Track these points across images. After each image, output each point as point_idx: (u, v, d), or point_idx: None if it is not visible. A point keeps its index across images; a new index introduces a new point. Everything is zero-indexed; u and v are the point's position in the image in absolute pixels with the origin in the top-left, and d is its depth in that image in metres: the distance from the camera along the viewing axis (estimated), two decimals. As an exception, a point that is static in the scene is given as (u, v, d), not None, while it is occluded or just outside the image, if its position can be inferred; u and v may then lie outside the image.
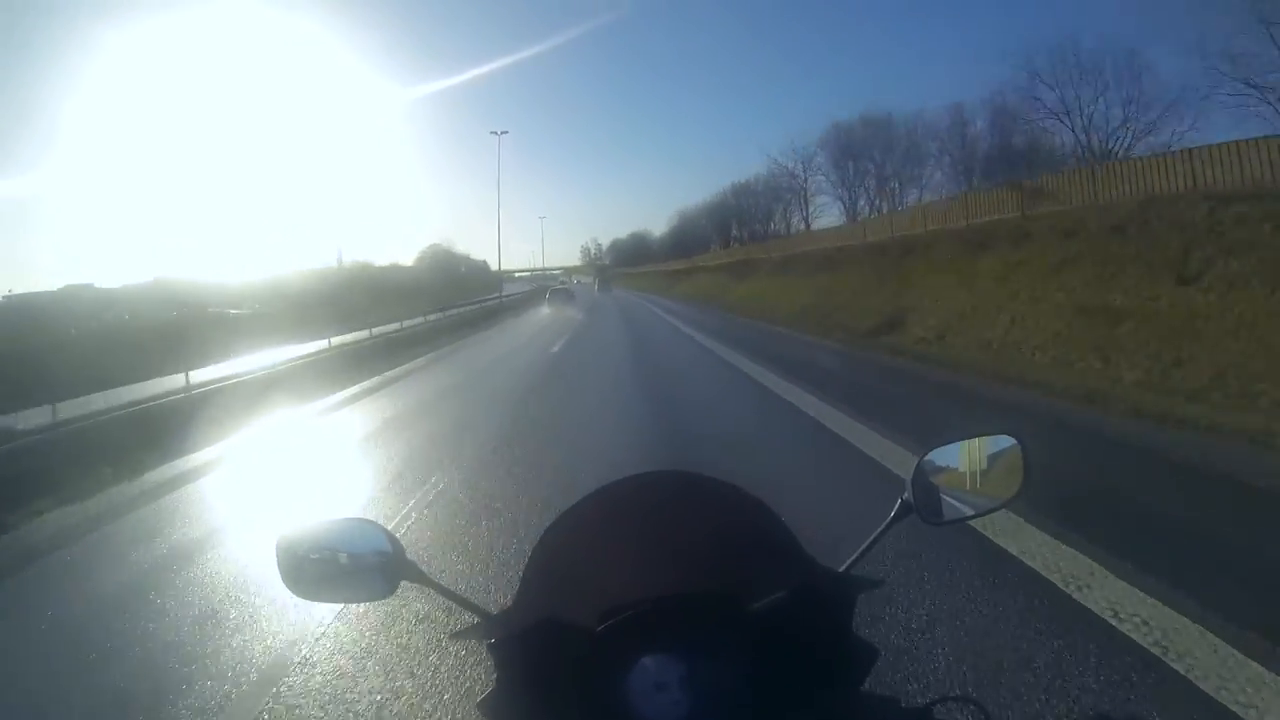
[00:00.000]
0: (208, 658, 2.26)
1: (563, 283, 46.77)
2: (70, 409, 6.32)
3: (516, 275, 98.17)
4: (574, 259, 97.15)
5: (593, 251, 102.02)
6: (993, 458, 0.70)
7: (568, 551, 0.62)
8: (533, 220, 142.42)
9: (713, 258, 35.33)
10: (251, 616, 2.59)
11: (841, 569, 0.61)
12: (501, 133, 38.08)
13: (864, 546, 0.64)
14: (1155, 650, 1.73)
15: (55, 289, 30.01)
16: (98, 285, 31.66)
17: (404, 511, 3.43)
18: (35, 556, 3.56)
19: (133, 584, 3.02)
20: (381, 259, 61.56)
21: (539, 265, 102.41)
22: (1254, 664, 1.64)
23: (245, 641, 2.37)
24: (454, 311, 22.27)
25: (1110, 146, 20.44)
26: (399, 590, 0.63)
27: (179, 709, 1.96)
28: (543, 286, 46.53)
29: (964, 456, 0.70)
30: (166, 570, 3.08)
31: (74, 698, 2.13)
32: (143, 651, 2.26)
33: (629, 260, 78.38)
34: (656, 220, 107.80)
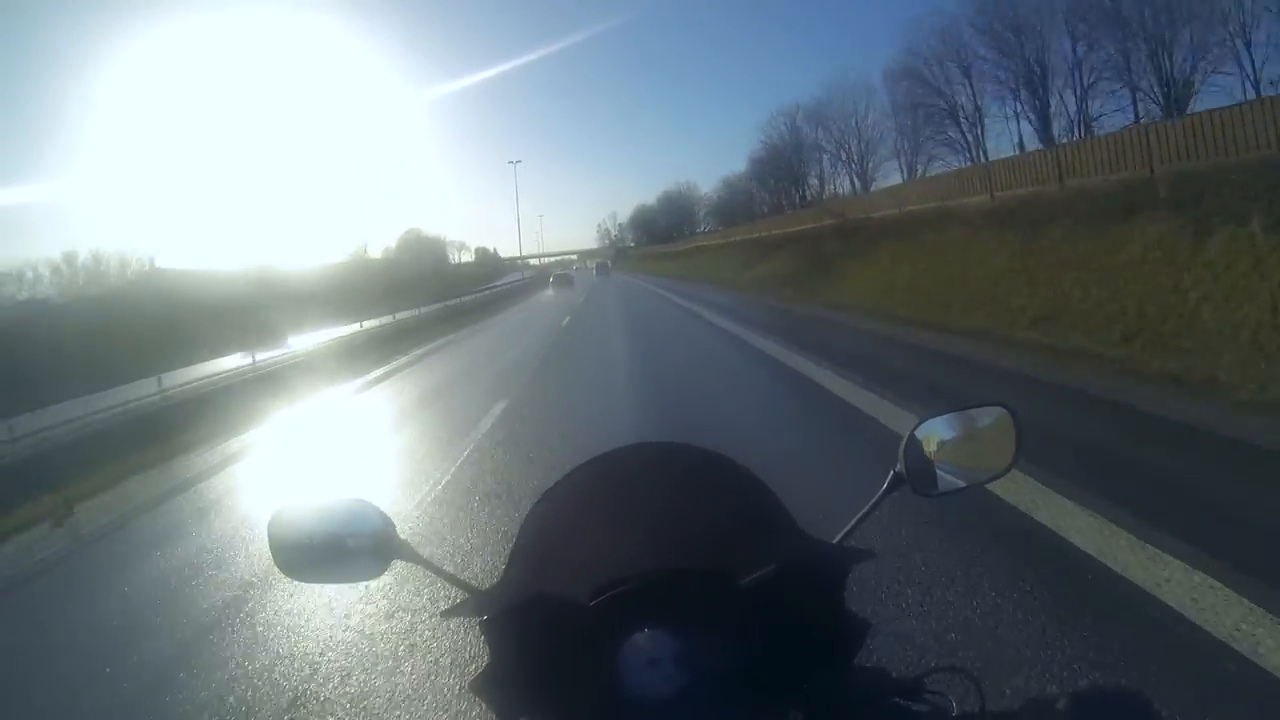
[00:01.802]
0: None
1: (564, 271, 52.26)
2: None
3: (528, 262, 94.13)
4: (592, 242, 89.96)
5: (611, 232, 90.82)
6: (984, 428, 0.73)
7: (556, 526, 0.63)
8: (547, 205, 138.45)
9: (765, 226, 30.59)
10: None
11: (834, 541, 0.62)
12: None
13: (856, 519, 0.67)
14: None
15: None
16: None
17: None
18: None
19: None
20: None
21: (552, 251, 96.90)
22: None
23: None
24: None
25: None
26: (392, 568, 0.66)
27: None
28: (543, 275, 55.96)
29: (955, 427, 0.72)
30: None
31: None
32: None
33: (661, 236, 72.07)
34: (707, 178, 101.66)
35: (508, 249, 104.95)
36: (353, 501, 0.66)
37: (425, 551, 0.74)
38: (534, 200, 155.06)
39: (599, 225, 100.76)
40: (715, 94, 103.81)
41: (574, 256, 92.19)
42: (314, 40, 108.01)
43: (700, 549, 0.58)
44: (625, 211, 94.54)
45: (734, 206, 54.02)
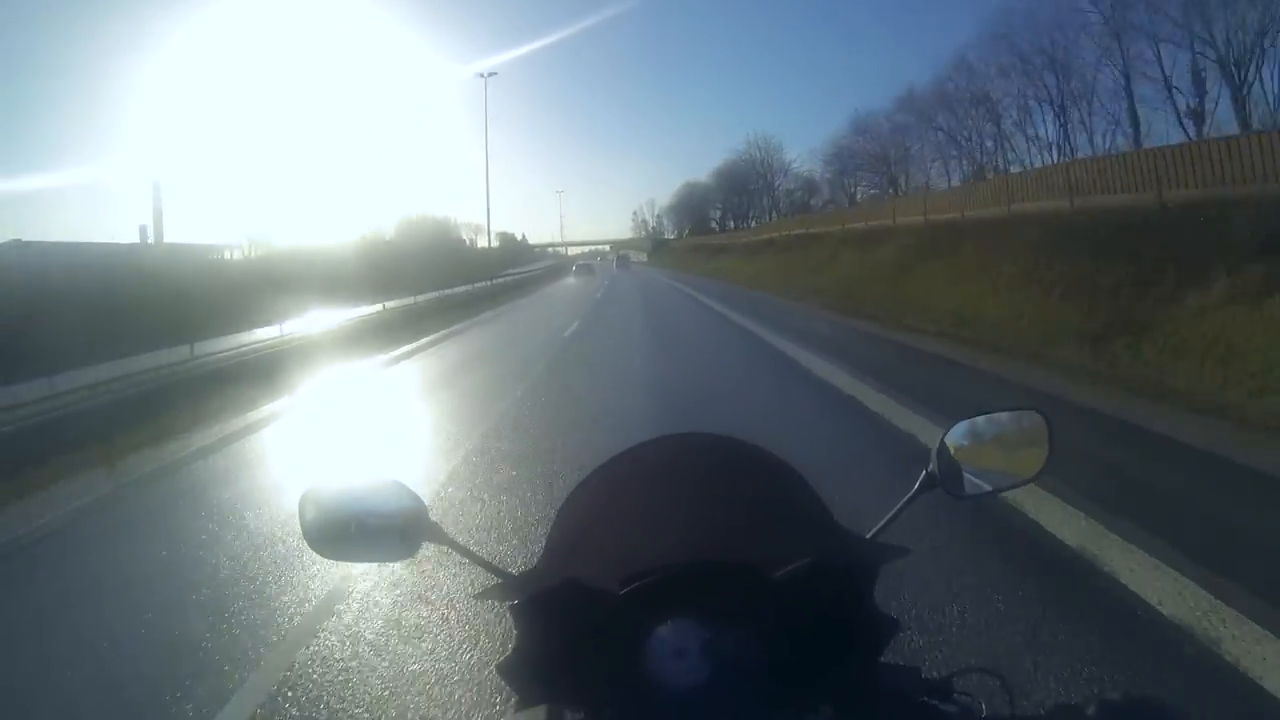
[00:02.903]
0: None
1: (586, 261, 58.21)
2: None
3: (559, 250, 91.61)
4: (627, 232, 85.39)
5: (649, 221, 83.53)
6: (1017, 432, 0.77)
7: (592, 514, 0.68)
8: (580, 193, 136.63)
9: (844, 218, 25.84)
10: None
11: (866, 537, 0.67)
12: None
13: (888, 517, 0.71)
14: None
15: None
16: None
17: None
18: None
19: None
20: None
21: (584, 240, 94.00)
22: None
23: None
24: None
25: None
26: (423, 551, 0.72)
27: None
28: (567, 264, 60.35)
29: (988, 430, 0.76)
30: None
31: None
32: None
33: (704, 225, 64.49)
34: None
35: (538, 236, 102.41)
36: (385, 482, 0.71)
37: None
38: (568, 188, 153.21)
39: (634, 213, 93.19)
40: (770, 73, 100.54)
41: (606, 247, 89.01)
42: (339, 18, 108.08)
43: (733, 541, 0.61)
44: (665, 198, 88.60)
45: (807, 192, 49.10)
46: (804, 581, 0.53)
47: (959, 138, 30.43)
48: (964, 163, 30.31)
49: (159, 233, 27.74)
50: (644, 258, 71.58)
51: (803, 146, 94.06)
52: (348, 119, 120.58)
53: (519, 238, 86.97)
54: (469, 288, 28.05)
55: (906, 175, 35.44)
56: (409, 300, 21.38)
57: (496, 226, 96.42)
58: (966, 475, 0.74)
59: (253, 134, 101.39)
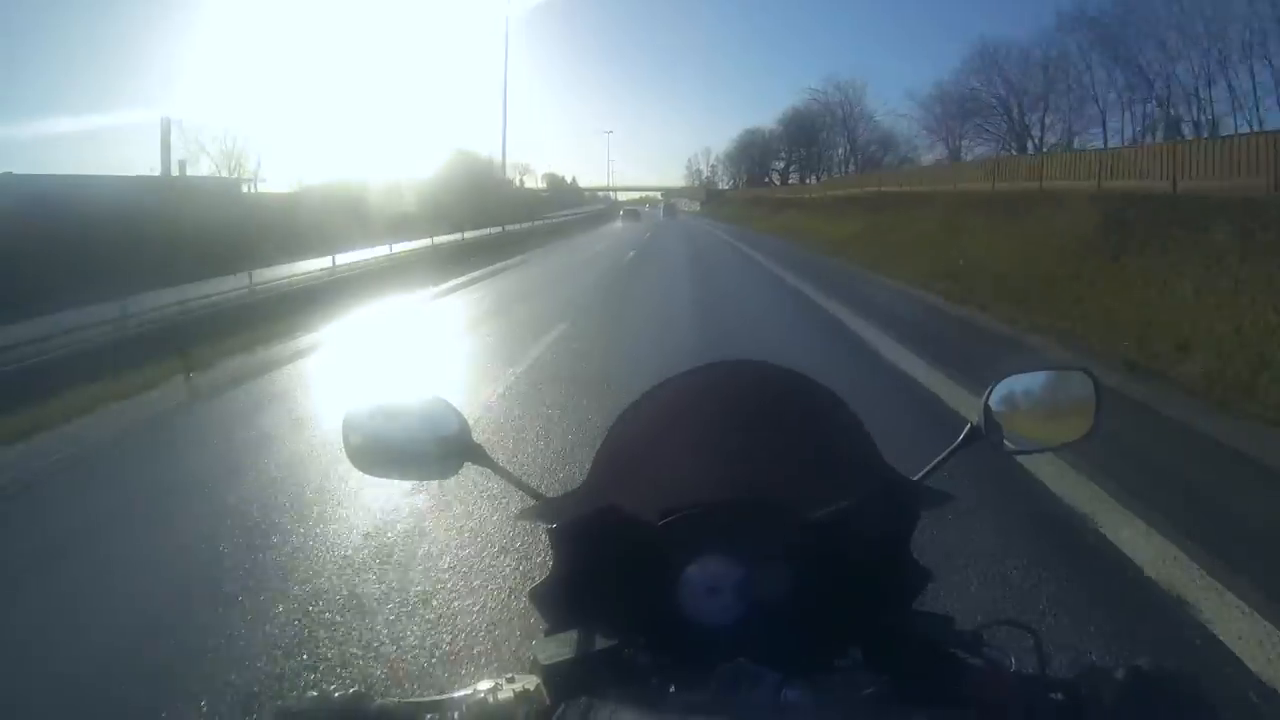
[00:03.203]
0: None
1: (633, 207, 58.84)
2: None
3: (610, 195, 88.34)
4: (681, 180, 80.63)
5: (703, 171, 78.05)
6: (1065, 392, 0.77)
7: (638, 440, 0.69)
8: (636, 136, 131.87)
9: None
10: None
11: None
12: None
13: (932, 465, 0.72)
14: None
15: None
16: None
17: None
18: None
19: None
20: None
21: (637, 185, 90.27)
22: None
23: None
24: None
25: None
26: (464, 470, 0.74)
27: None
28: (615, 209, 62.48)
29: (1035, 387, 0.76)
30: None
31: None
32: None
33: (762, 177, 60.04)
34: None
35: (590, 179, 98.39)
36: (430, 400, 0.72)
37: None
38: (622, 133, 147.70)
39: (689, 161, 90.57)
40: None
41: (658, 194, 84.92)
42: None
43: (774, 478, 0.62)
44: (721, 147, 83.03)
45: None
46: (843, 524, 0.55)
47: (1151, 76, 23.37)
48: (1147, 110, 23.73)
49: (167, 166, 25.98)
50: (696, 207, 67.73)
51: (888, 94, 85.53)
52: (388, 55, 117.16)
53: (569, 180, 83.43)
54: (498, 230, 27.30)
55: (1043, 126, 30.11)
56: (384, 251, 18.38)
57: (546, 168, 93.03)
58: (1011, 432, 0.75)
59: (288, 72, 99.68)
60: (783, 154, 57.15)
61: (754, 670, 0.49)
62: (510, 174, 72.50)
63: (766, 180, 57.54)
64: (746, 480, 0.61)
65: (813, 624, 0.54)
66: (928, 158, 38.68)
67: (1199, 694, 0.50)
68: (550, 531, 0.59)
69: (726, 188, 69.67)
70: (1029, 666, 0.55)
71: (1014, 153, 28.90)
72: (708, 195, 70.11)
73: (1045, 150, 26.36)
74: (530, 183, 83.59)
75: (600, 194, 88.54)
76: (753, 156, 62.82)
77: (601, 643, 0.54)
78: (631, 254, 19.41)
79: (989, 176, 18.34)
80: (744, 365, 0.73)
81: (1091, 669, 0.52)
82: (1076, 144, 27.10)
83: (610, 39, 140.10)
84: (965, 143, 35.67)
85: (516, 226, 30.00)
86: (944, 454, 0.73)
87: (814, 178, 49.00)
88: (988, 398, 0.73)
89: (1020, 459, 2.99)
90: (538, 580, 0.60)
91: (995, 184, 17.38)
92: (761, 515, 0.56)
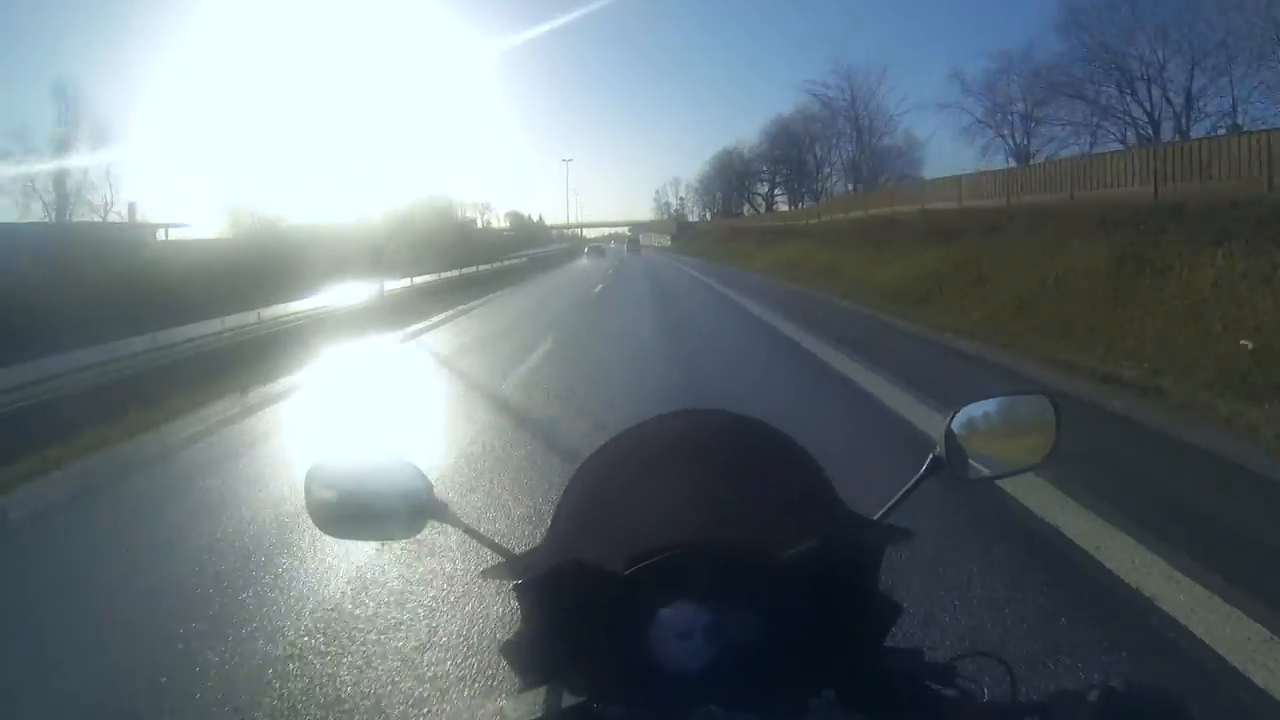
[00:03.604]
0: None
1: (598, 244, 60.12)
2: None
3: (578, 233, 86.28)
4: (649, 213, 77.56)
5: (672, 203, 74.59)
6: (1024, 417, 0.78)
7: (597, 492, 0.70)
8: (600, 173, 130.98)
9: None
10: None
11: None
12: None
13: (894, 500, 0.73)
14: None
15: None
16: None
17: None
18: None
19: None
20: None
21: (604, 221, 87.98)
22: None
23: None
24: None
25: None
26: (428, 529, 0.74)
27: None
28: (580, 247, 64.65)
29: (995, 414, 0.76)
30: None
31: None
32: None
33: (737, 204, 56.68)
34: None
35: (557, 217, 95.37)
36: (391, 459, 0.73)
37: None
38: (588, 168, 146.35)
39: (656, 193, 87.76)
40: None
41: (625, 229, 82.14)
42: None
43: (738, 521, 0.63)
44: (693, 174, 79.02)
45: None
46: (809, 563, 0.55)
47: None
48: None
49: (62, 209, 22.51)
50: (667, 242, 64.76)
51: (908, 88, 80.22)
52: (341, 98, 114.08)
53: (534, 219, 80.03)
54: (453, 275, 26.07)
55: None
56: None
57: (510, 207, 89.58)
58: (972, 460, 0.75)
59: (234, 112, 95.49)
60: (764, 174, 50.83)
61: (727, 717, 0.50)
62: (471, 214, 69.21)
63: (744, 208, 52.69)
64: (709, 525, 0.62)
65: (785, 665, 0.55)
66: (975, 163, 30.40)
67: (1174, 711, 0.51)
68: (516, 587, 0.59)
69: (696, 219, 65.50)
70: (1003, 696, 0.57)
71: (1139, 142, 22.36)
72: (679, 228, 66.82)
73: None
74: (495, 222, 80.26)
75: (568, 231, 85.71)
76: (729, 180, 57.56)
77: (570, 699, 0.54)
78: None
79: (1135, 175, 11.73)
80: (698, 414, 0.75)
81: (1064, 693, 0.52)
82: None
83: (574, 74, 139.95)
84: (1036, 140, 28.16)
85: (475, 269, 29.09)
86: (907, 486, 0.74)
87: (804, 201, 43.56)
88: (948, 426, 0.74)
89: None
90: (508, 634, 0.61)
91: (1159, 184, 10.94)
92: (727, 558, 0.56)
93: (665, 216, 75.79)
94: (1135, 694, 0.49)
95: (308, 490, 0.72)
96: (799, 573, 0.53)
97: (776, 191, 51.06)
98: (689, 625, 0.53)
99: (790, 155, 45.95)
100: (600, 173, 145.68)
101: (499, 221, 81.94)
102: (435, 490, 0.71)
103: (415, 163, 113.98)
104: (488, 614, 2.45)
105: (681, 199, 73.42)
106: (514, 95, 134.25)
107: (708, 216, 63.24)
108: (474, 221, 70.63)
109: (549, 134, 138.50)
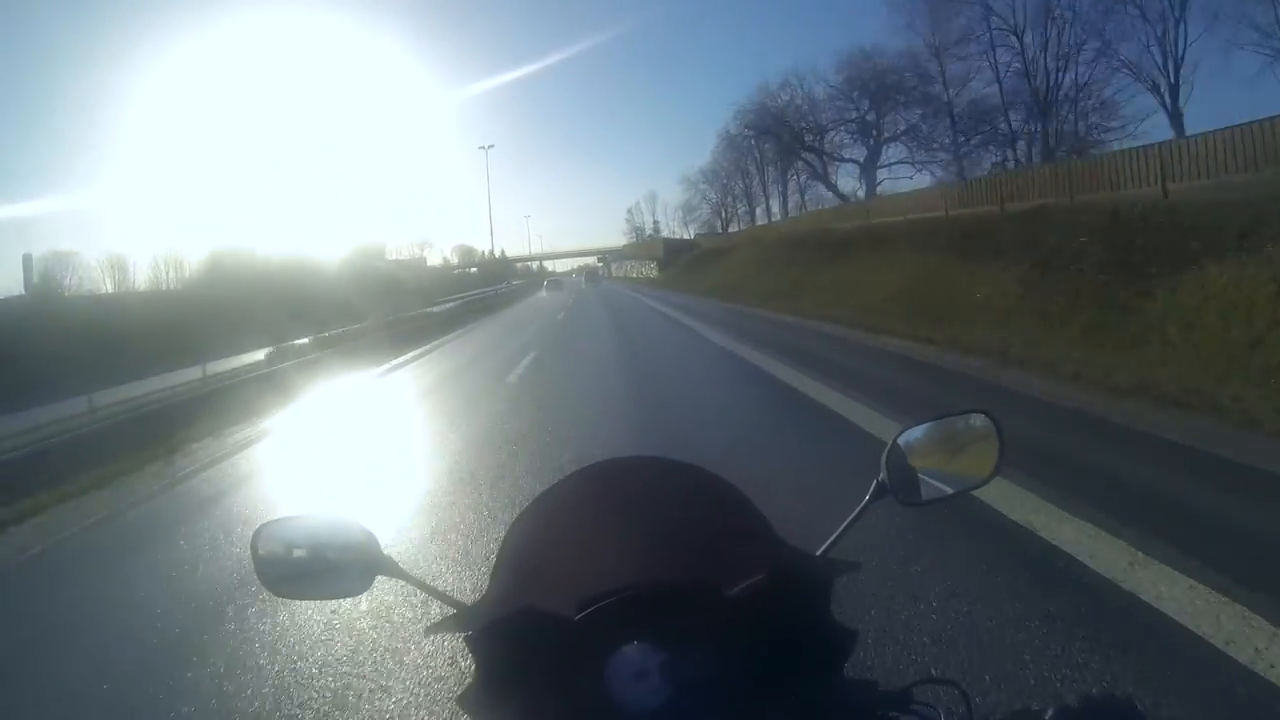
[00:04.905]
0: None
1: (556, 278, 59.15)
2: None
3: (545, 266, 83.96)
4: (620, 237, 72.98)
5: (646, 226, 66.07)
6: (966, 435, 0.79)
7: (540, 539, 0.70)
8: (566, 201, 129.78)
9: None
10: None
11: (818, 553, 0.70)
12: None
13: (840, 530, 0.74)
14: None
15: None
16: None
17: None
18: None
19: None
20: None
21: (573, 251, 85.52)
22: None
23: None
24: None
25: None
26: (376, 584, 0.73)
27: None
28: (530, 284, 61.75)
29: (937, 434, 0.77)
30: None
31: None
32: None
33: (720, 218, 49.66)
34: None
35: (520, 249, 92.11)
36: (336, 518, 0.73)
37: None
38: (554, 195, 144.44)
39: (629, 213, 72.62)
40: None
41: (594, 259, 78.88)
42: (308, 40, 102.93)
43: (687, 560, 0.64)
44: (668, 189, 71.19)
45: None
46: (760, 597, 0.56)
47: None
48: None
49: None
50: (652, 271, 49.73)
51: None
52: (273, 146, 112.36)
53: (498, 254, 76.60)
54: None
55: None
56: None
57: (474, 243, 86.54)
58: (919, 481, 0.76)
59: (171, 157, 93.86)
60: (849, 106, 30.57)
61: None
62: (411, 252, 64.34)
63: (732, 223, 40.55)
64: (651, 567, 0.62)
65: (742, 700, 0.56)
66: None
67: (1126, 717, 0.53)
68: (468, 639, 0.59)
69: (694, 235, 48.87)
70: (958, 719, 0.58)
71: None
72: (667, 253, 48.20)
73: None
74: (452, 259, 75.70)
75: (535, 266, 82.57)
76: (779, 134, 35.71)
77: None
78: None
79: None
80: (627, 461, 0.77)
81: (1020, 712, 0.54)
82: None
83: (536, 102, 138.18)
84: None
85: (412, 312, 27.51)
86: (852, 515, 0.74)
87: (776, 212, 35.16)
88: (889, 451, 0.76)
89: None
90: (464, 686, 0.61)
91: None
92: (677, 596, 0.57)
93: (641, 239, 63.25)
94: (1088, 710, 0.51)
95: (255, 551, 0.73)
96: (750, 607, 0.54)
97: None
98: (644, 665, 0.54)
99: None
100: (567, 201, 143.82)
101: (451, 258, 79.05)
102: (382, 546, 0.73)
103: (361, 209, 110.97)
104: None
105: (656, 222, 61.44)
106: (473, 131, 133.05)
107: (724, 226, 46.64)
108: (424, 260, 64.84)
109: (511, 166, 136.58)
